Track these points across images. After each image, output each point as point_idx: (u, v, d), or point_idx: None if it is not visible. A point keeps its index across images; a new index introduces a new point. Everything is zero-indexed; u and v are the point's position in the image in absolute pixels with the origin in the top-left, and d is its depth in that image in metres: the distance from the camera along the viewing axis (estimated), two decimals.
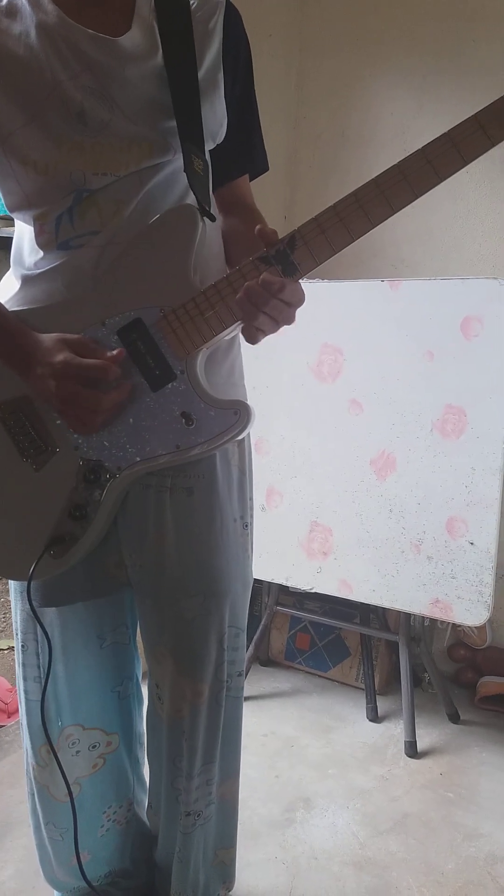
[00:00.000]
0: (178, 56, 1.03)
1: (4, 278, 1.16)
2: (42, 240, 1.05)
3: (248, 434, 1.19)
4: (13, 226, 1.15)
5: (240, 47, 1.10)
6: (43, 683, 1.17)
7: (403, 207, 0.92)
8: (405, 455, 2.02)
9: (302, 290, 0.96)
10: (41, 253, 1.06)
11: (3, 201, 1.09)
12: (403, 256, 2.39)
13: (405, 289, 2.01)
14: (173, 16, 1.04)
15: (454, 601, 1.97)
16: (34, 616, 1.14)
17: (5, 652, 2.60)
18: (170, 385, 1.01)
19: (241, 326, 1.01)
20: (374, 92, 2.46)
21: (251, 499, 1.21)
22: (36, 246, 1.06)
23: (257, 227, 0.94)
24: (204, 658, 1.15)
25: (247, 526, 1.19)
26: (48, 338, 1.00)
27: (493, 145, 0.89)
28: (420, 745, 2.08)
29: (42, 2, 0.99)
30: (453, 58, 2.31)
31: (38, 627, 1.17)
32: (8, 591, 3.09)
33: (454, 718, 2.24)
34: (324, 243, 0.93)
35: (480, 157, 0.90)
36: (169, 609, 1.13)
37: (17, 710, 2.15)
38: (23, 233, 1.11)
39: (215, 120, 1.08)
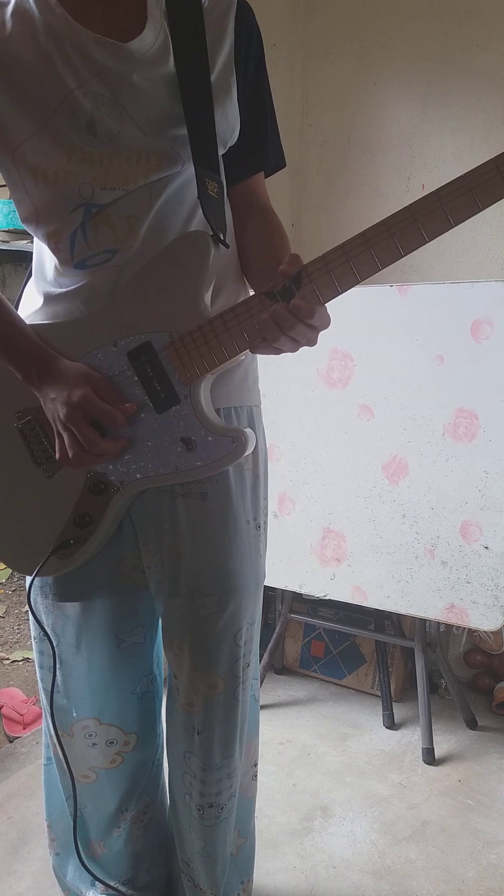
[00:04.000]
0: (190, 61, 1.01)
1: (27, 291, 1.17)
2: (59, 258, 1.06)
3: (264, 437, 1.22)
4: (22, 239, 1.15)
5: (251, 44, 1.08)
6: (51, 682, 1.22)
7: (413, 251, 0.90)
8: (417, 459, 2.01)
9: (328, 316, 0.96)
10: (62, 270, 1.07)
11: (17, 212, 1.10)
12: (412, 261, 2.39)
13: (414, 293, 2.01)
14: (185, 17, 1.02)
15: (469, 606, 1.96)
16: (32, 614, 1.20)
17: (20, 663, 2.60)
18: (173, 408, 1.03)
19: (247, 353, 1.02)
20: (378, 98, 2.47)
21: (265, 499, 1.22)
22: (56, 263, 1.07)
23: (280, 268, 0.94)
24: (218, 652, 1.17)
25: (259, 527, 1.20)
26: (73, 369, 1.03)
27: None
28: (438, 752, 2.07)
29: (50, 4, 0.97)
30: (457, 62, 2.31)
31: (51, 620, 1.21)
32: (22, 602, 3.10)
33: (472, 724, 2.22)
34: (329, 283, 0.92)
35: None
36: (185, 606, 1.16)
37: (32, 721, 2.15)
38: (42, 247, 1.11)
39: (227, 126, 1.06)
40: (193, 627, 1.16)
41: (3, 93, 0.97)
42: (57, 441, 1.05)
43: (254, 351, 0.99)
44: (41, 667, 1.26)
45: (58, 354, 1.06)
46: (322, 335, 0.98)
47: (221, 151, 1.07)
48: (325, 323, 0.95)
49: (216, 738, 1.21)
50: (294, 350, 0.97)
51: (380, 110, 2.47)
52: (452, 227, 0.88)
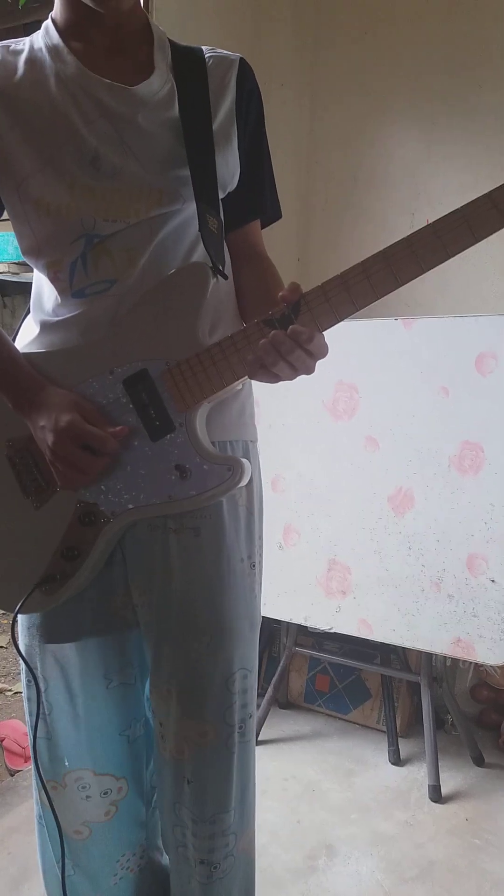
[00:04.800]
0: (193, 108, 1.06)
1: (25, 322, 1.18)
2: (57, 288, 1.08)
3: (259, 474, 1.20)
4: (31, 271, 1.18)
5: (252, 100, 1.13)
6: (34, 722, 1.17)
7: (410, 281, 0.92)
8: (423, 491, 2.01)
9: (326, 345, 0.97)
10: (59, 300, 1.09)
11: (18, 245, 1.13)
12: (416, 295, 2.41)
13: (419, 327, 2.02)
14: (189, 70, 1.08)
15: (476, 640, 1.94)
16: (17, 651, 1.16)
17: (21, 695, 2.57)
18: (168, 436, 1.03)
19: (244, 381, 1.03)
20: (383, 136, 2.51)
21: (260, 538, 1.21)
22: (54, 293, 1.09)
23: (280, 294, 0.96)
24: (208, 698, 1.13)
25: (254, 566, 1.18)
26: (62, 396, 1.04)
27: None
28: (444, 790, 2.03)
29: (62, 53, 1.03)
30: (460, 102, 2.36)
31: (39, 663, 1.18)
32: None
33: (478, 761, 2.19)
34: (328, 311, 0.94)
35: None
36: (175, 648, 1.13)
37: None
38: (41, 279, 1.13)
39: (227, 171, 1.10)
40: (182, 671, 1.13)
41: (12, 130, 1.02)
42: (53, 469, 1.05)
43: (252, 377, 0.99)
44: (30, 714, 1.21)
45: (49, 383, 1.06)
46: (327, 367, 0.98)
47: (221, 195, 1.10)
48: (323, 352, 0.96)
49: (209, 789, 1.16)
50: (292, 378, 0.97)
51: (385, 148, 2.51)
52: (448, 258, 0.90)
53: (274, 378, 0.98)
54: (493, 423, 1.92)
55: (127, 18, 1.05)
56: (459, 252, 0.90)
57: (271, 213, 1.22)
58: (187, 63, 1.08)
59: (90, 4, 1.00)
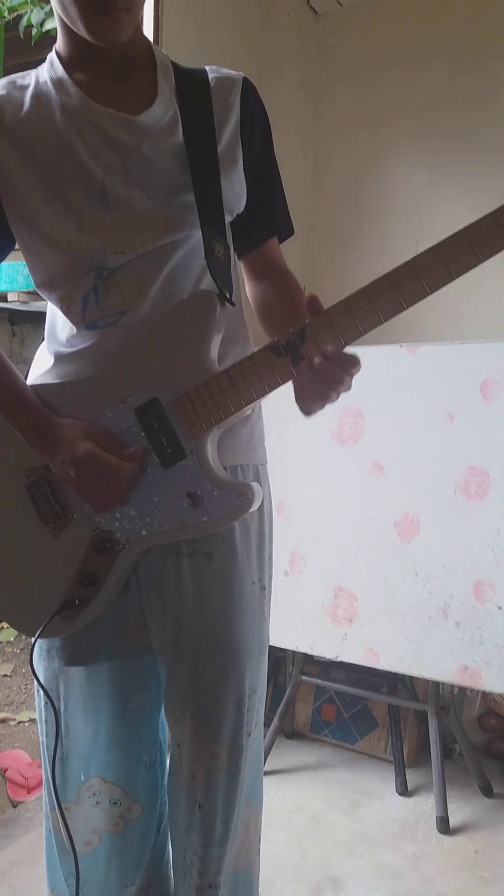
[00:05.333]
0: (197, 133, 1.07)
1: (39, 352, 1.20)
2: (71, 320, 1.10)
3: (270, 497, 1.21)
4: (40, 300, 1.19)
5: (256, 119, 1.14)
6: (54, 743, 1.18)
7: (415, 303, 0.92)
8: (429, 518, 2.01)
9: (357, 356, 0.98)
10: (73, 331, 1.10)
11: (31, 278, 1.14)
12: (421, 321, 2.42)
13: (424, 353, 2.03)
14: (193, 93, 1.09)
15: (483, 668, 1.92)
16: (33, 673, 1.17)
17: (26, 724, 2.55)
18: (179, 463, 1.04)
19: (253, 406, 1.05)
20: (388, 169, 2.55)
21: (270, 559, 1.21)
22: (68, 324, 1.11)
23: (308, 295, 0.96)
24: (221, 720, 1.14)
25: (264, 588, 1.19)
26: (74, 428, 1.05)
27: None
28: (452, 821, 2.00)
29: (66, 85, 1.05)
30: (464, 138, 2.40)
31: (57, 685, 1.18)
32: (26, 662, 3.05)
33: (487, 792, 2.15)
34: (333, 336, 0.95)
35: None
36: (188, 671, 1.13)
37: (37, 786, 2.10)
38: (55, 310, 1.15)
39: (233, 194, 1.11)
40: (196, 693, 1.14)
41: (20, 166, 1.04)
42: (82, 497, 1.07)
43: (306, 413, 1.02)
44: (46, 735, 1.22)
45: (57, 417, 1.07)
46: None
47: (228, 219, 1.11)
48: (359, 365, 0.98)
49: (218, 811, 1.16)
50: (335, 400, 1.01)
51: (389, 180, 2.55)
52: (453, 279, 0.90)
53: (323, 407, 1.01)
54: (499, 448, 1.92)
55: (127, 48, 1.06)
56: (463, 272, 0.90)
57: (284, 231, 1.23)
58: (190, 85, 1.09)
59: (90, 40, 1.01)
